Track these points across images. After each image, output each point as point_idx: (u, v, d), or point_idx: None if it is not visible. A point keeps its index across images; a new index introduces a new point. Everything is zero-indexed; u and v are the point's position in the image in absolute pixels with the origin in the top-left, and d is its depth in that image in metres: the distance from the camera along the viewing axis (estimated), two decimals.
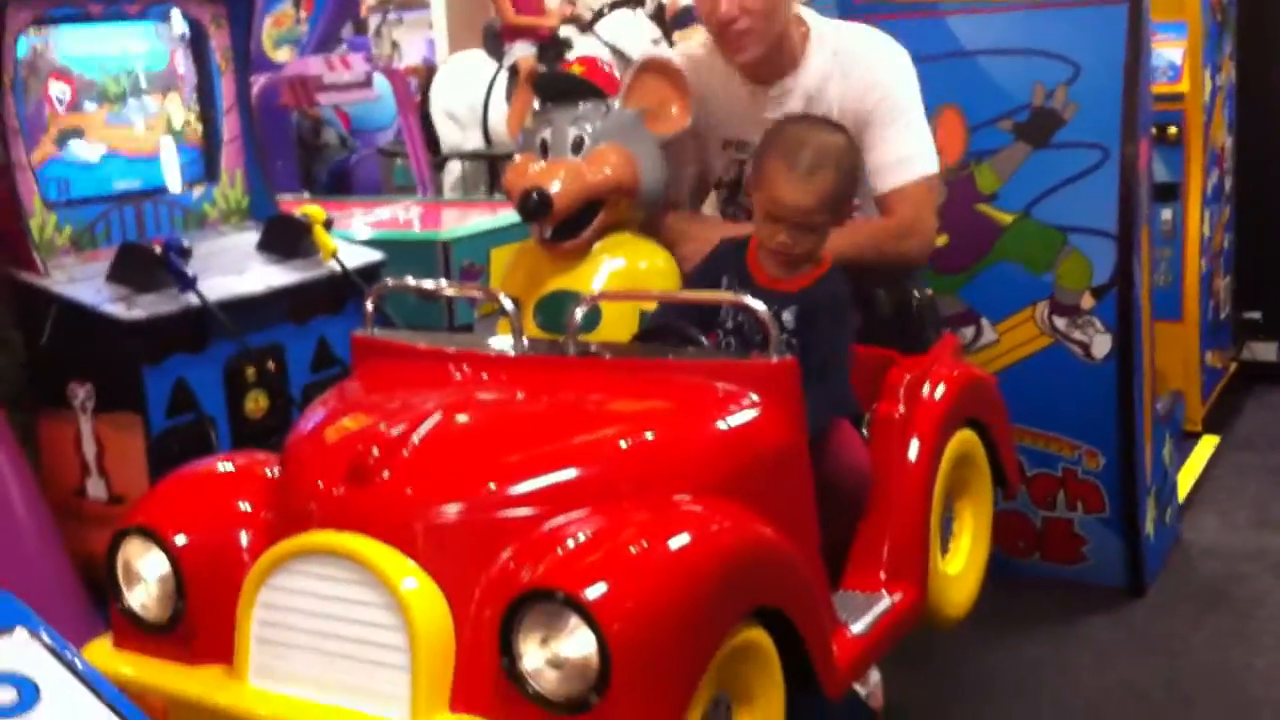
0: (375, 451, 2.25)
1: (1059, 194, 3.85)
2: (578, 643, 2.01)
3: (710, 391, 2.51)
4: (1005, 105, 3.89)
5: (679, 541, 2.16)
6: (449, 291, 4.20)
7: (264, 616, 2.25)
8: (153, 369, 3.35)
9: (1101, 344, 3.84)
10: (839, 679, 2.49)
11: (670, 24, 7.08)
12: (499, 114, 7.04)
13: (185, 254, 3.42)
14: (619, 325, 2.88)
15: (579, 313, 2.62)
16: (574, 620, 2.01)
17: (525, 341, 2.67)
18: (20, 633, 1.88)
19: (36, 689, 1.82)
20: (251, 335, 3.54)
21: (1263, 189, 5.84)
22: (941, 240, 3.86)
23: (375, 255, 3.98)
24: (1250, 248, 5.92)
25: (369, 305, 2.81)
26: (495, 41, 7.54)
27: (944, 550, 3.06)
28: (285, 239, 3.81)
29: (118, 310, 3.31)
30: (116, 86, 3.66)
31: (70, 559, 3.27)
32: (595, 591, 2.01)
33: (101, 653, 2.42)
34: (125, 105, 3.69)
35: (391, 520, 2.19)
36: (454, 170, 7.56)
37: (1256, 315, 6.01)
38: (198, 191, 3.87)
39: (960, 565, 3.12)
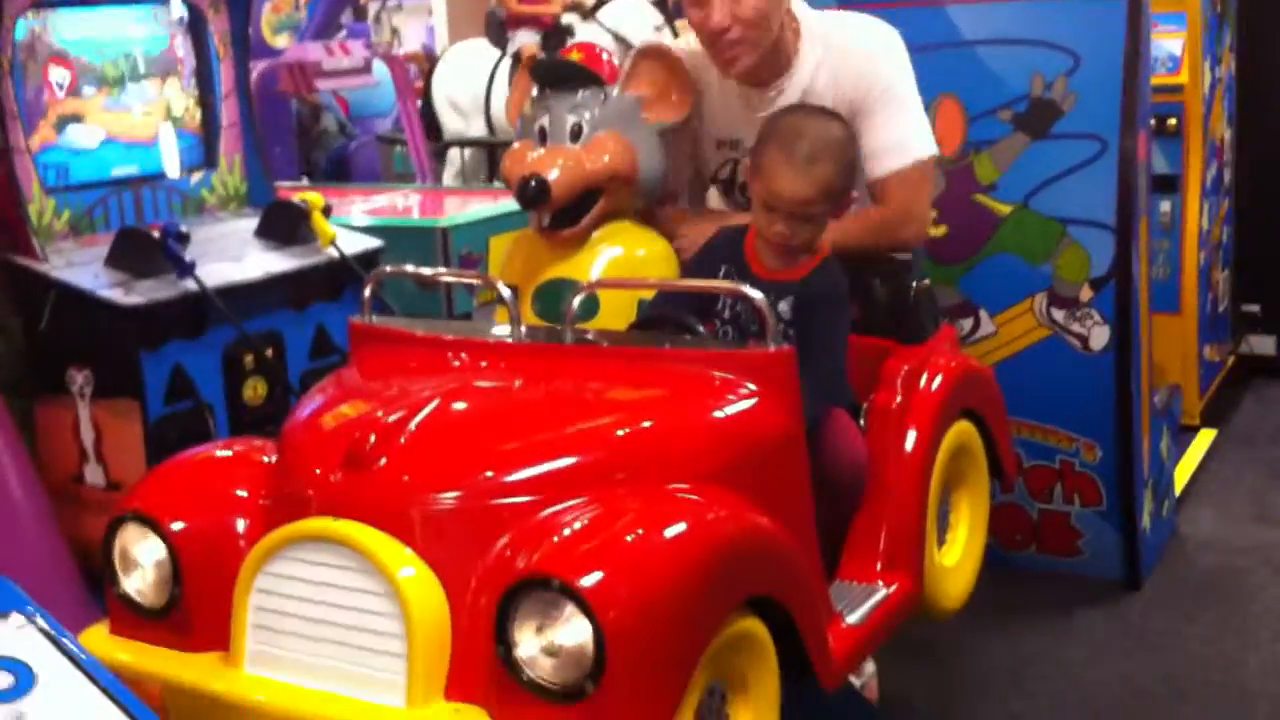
0: (372, 438, 2.24)
1: (1058, 185, 3.84)
2: (573, 631, 2.01)
3: (707, 380, 2.50)
4: (1004, 96, 3.88)
5: (675, 530, 2.16)
6: (447, 278, 4.19)
7: (260, 603, 2.25)
8: (151, 355, 3.35)
9: (1099, 336, 3.84)
10: (835, 669, 2.49)
11: (674, 10, 7.06)
12: (502, 102, 7.02)
13: (183, 240, 3.43)
14: (617, 314, 2.87)
15: (577, 301, 2.62)
16: (569, 608, 2.01)
17: (523, 329, 2.67)
18: (16, 618, 1.89)
19: (33, 674, 1.83)
20: (250, 322, 3.54)
21: (1262, 182, 5.84)
22: (940, 231, 3.87)
23: (374, 242, 3.98)
24: (1249, 241, 5.92)
25: (367, 292, 2.80)
26: (499, 29, 7.52)
27: (940, 542, 3.06)
28: (284, 225, 3.81)
29: (116, 295, 3.31)
30: (115, 71, 3.66)
31: (68, 545, 3.27)
32: (591, 580, 2.01)
33: (98, 639, 2.41)
34: (124, 90, 3.69)
35: (388, 507, 2.19)
36: (454, 161, 7.54)
37: (1255, 309, 6.01)
38: (196, 177, 3.87)
39: (956, 557, 3.12)
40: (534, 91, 3.12)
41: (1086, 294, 3.84)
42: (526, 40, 7.15)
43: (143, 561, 2.40)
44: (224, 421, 3.52)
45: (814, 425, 2.66)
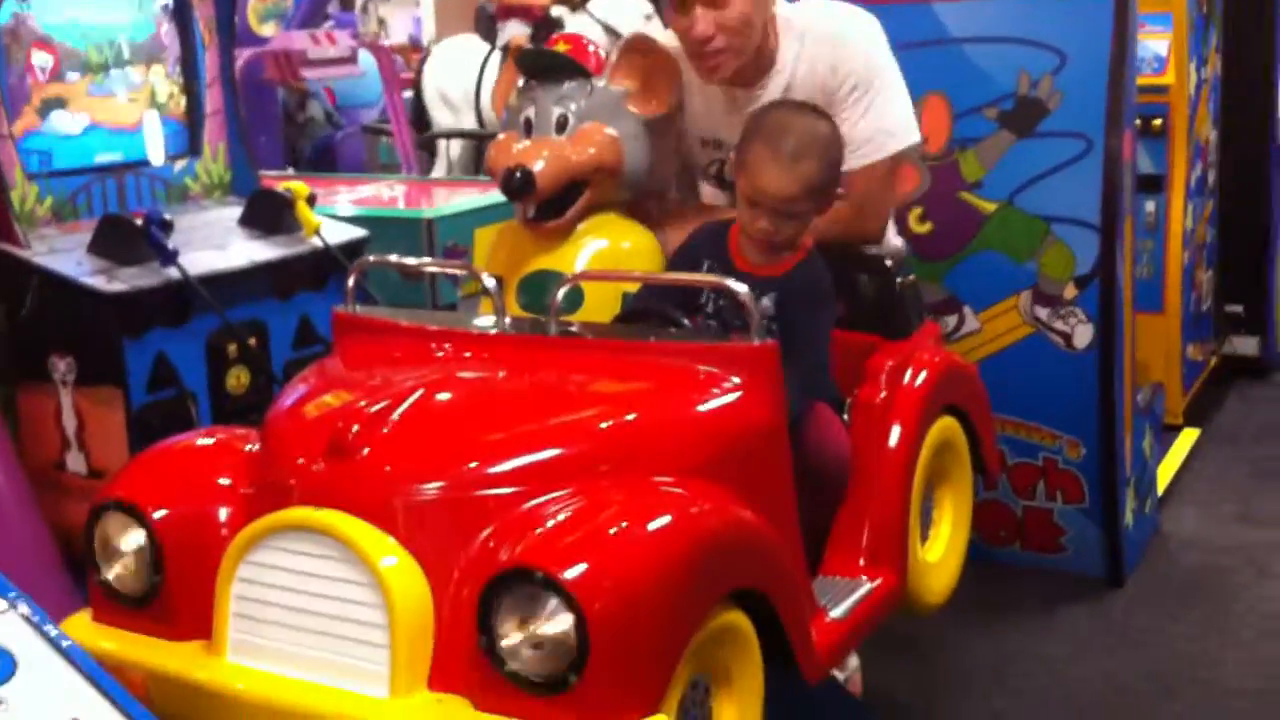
0: (355, 428, 2.24)
1: (1042, 183, 3.85)
2: (556, 623, 2.00)
3: (691, 374, 2.50)
4: (990, 93, 3.89)
5: (658, 523, 2.16)
6: (432, 269, 4.18)
7: (242, 592, 2.24)
8: (133, 342, 3.33)
9: (1083, 334, 3.85)
10: (818, 663, 2.49)
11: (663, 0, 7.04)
12: (491, 97, 7.00)
13: (167, 227, 3.41)
14: (602, 306, 2.87)
15: (561, 293, 2.61)
16: (553, 600, 2.01)
17: (507, 321, 2.66)
18: None
19: (14, 660, 1.82)
20: (233, 310, 3.53)
21: (1246, 183, 5.86)
22: (925, 228, 3.88)
23: (359, 232, 3.97)
24: (1233, 242, 5.94)
25: (351, 282, 2.79)
26: (488, 23, 7.51)
27: (924, 537, 3.06)
28: (268, 214, 3.79)
29: (99, 283, 3.29)
30: (99, 56, 3.64)
31: (50, 532, 3.26)
32: (574, 572, 2.00)
33: (81, 626, 2.40)
34: (108, 76, 3.67)
35: (371, 497, 2.18)
36: (444, 156, 7.53)
37: (1238, 309, 6.04)
38: (180, 165, 3.85)
39: (940, 553, 3.12)
40: (520, 82, 3.11)
41: (1071, 292, 3.85)
42: (516, 32, 7.14)
43: (125, 549, 2.39)
44: (207, 410, 3.50)
45: (796, 419, 2.66)
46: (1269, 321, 6.01)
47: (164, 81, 3.81)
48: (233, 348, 3.56)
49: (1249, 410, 5.62)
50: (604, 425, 2.37)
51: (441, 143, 7.40)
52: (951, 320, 3.96)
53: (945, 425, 3.10)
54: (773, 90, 3.06)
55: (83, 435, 3.39)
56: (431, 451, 2.24)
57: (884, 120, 3.06)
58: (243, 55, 6.01)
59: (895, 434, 2.92)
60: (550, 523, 2.12)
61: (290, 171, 6.51)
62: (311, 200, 3.83)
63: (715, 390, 2.48)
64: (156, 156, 3.80)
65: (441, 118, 7.42)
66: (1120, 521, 3.92)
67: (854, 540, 2.85)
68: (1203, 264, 5.68)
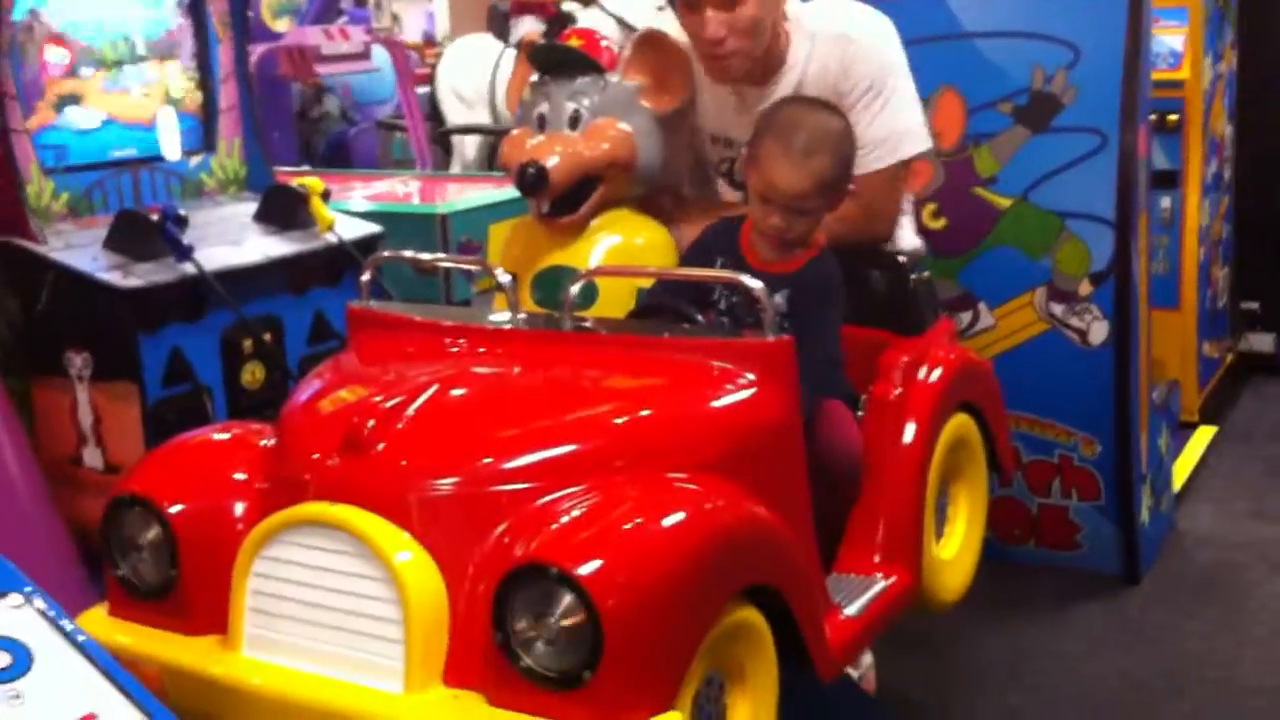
0: (370, 423, 2.24)
1: (1057, 179, 3.84)
2: (570, 618, 2.00)
3: (706, 370, 2.50)
4: (1005, 88, 3.88)
5: (673, 519, 2.16)
6: (446, 264, 4.18)
7: (258, 587, 2.25)
8: (149, 338, 3.34)
9: (1099, 331, 3.84)
10: (832, 661, 2.49)
11: None
12: (505, 94, 7.00)
13: (182, 223, 3.42)
14: (616, 301, 2.87)
15: (575, 288, 2.61)
16: (567, 596, 2.00)
17: (521, 316, 2.66)
18: (14, 598, 1.88)
19: (30, 655, 1.82)
20: (248, 306, 3.54)
21: (1262, 179, 5.84)
22: (940, 224, 3.87)
23: (373, 228, 3.97)
24: (1248, 238, 5.92)
25: (365, 277, 2.79)
26: (502, 22, 7.51)
27: (939, 535, 3.05)
28: (283, 210, 3.80)
29: (114, 278, 3.31)
30: (114, 52, 3.65)
31: (66, 527, 3.27)
32: (588, 568, 2.00)
33: (97, 621, 2.41)
34: (122, 72, 3.68)
35: (386, 492, 2.18)
36: (460, 155, 7.53)
37: (1254, 306, 6.02)
38: (195, 160, 3.86)
39: (955, 550, 3.11)
40: (533, 78, 3.11)
41: (1086, 288, 3.84)
42: (529, 29, 7.13)
43: (141, 544, 2.40)
44: (222, 405, 3.51)
45: (810, 416, 2.66)
46: None
47: (178, 77, 3.82)
48: (248, 343, 3.57)
49: (1265, 407, 5.60)
50: (618, 421, 2.37)
51: (457, 141, 7.40)
52: (966, 317, 3.95)
53: (960, 422, 3.10)
54: (783, 89, 3.05)
55: (99, 430, 3.41)
56: (446, 447, 2.24)
57: (897, 123, 3.04)
58: (257, 51, 6.01)
59: (910, 431, 2.91)
60: (565, 518, 2.12)
61: (305, 167, 6.52)
62: (326, 196, 3.84)
63: (729, 386, 2.47)
64: (171, 152, 3.81)
65: (456, 116, 7.42)
66: (1136, 519, 3.91)
67: (868, 537, 2.84)
68: (1218, 260, 5.66)
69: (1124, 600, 3.84)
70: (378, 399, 2.31)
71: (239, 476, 2.43)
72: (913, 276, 3.12)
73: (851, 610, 2.64)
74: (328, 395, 2.45)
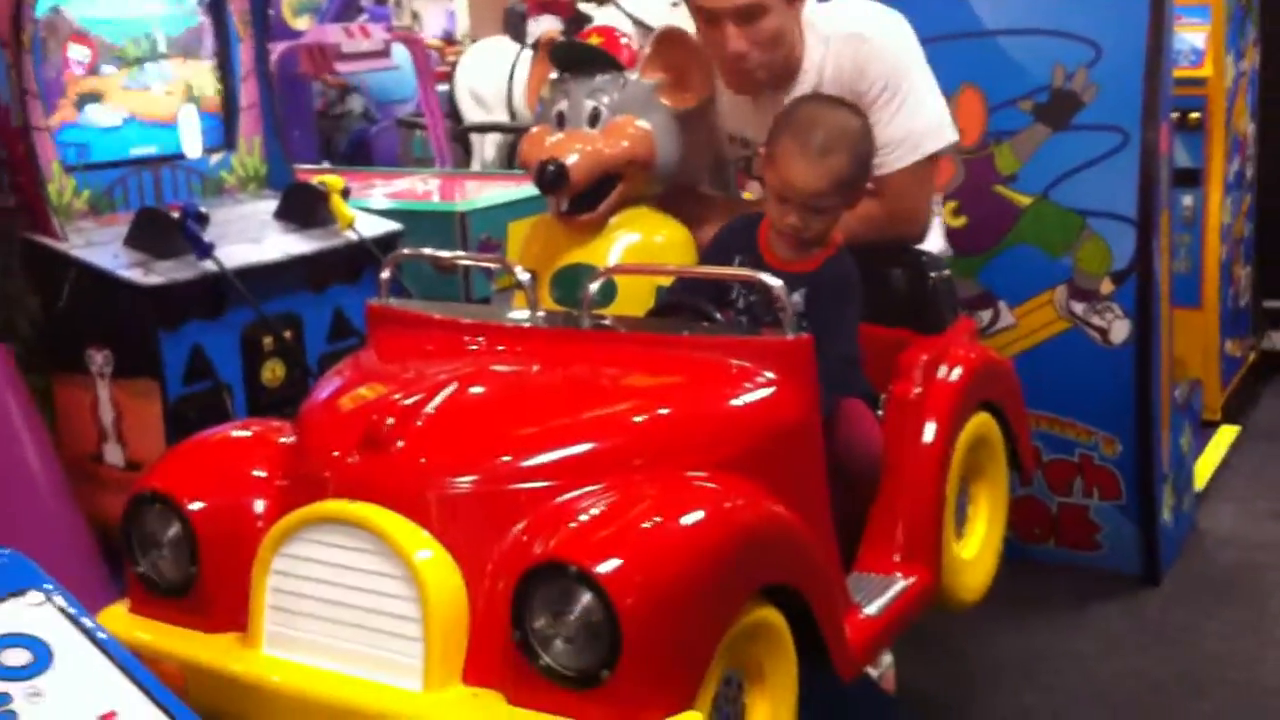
0: (390, 421, 2.24)
1: (1078, 177, 3.82)
2: (589, 617, 2.01)
3: (725, 368, 2.50)
4: (1025, 86, 3.86)
5: (692, 517, 2.16)
6: (465, 262, 4.19)
7: (278, 584, 2.25)
8: (170, 335, 3.35)
9: (1120, 330, 3.82)
10: (852, 660, 2.49)
11: None
12: (523, 94, 7.01)
13: (203, 220, 3.43)
14: (635, 299, 2.87)
15: (594, 286, 2.61)
16: (586, 594, 2.01)
17: (540, 314, 2.66)
18: (34, 595, 1.89)
19: (50, 652, 1.83)
20: (268, 304, 3.54)
21: None
22: (960, 222, 3.86)
23: (393, 225, 3.98)
24: (1271, 236, 5.88)
25: (385, 275, 2.80)
26: (519, 23, 7.52)
27: (959, 534, 3.05)
28: (303, 207, 3.80)
29: (135, 275, 3.32)
30: (136, 50, 3.66)
31: (87, 524, 3.28)
32: (608, 566, 2.00)
33: (117, 617, 2.42)
34: (144, 70, 3.69)
35: (405, 490, 2.19)
36: (479, 156, 7.54)
37: (1277, 304, 5.98)
38: (215, 158, 3.87)
39: (975, 549, 3.11)
40: (552, 76, 3.11)
41: (1107, 287, 3.82)
42: (547, 28, 7.14)
43: (161, 540, 2.41)
44: (242, 402, 3.52)
45: (829, 415, 2.65)
46: None
47: (199, 75, 3.83)
48: (268, 340, 3.58)
49: None
50: (637, 419, 2.37)
51: (476, 139, 7.41)
52: (986, 315, 3.93)
53: (980, 421, 3.09)
54: (800, 91, 3.04)
55: (120, 427, 3.42)
56: (465, 445, 2.25)
57: (916, 120, 3.03)
58: (277, 49, 6.02)
59: (930, 430, 2.91)
60: (584, 516, 2.12)
61: (326, 165, 6.53)
62: (346, 194, 3.85)
63: (748, 384, 2.47)
64: (192, 150, 3.82)
65: (473, 116, 7.44)
66: (1158, 519, 3.89)
67: (888, 536, 2.84)
68: (1240, 259, 5.63)
69: (1143, 601, 3.82)
70: (397, 396, 2.31)
71: (259, 474, 2.44)
72: (932, 275, 3.11)
73: (871, 610, 2.64)
74: (347, 393, 2.45)
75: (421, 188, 5.65)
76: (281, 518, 2.28)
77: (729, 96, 3.15)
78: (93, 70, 3.56)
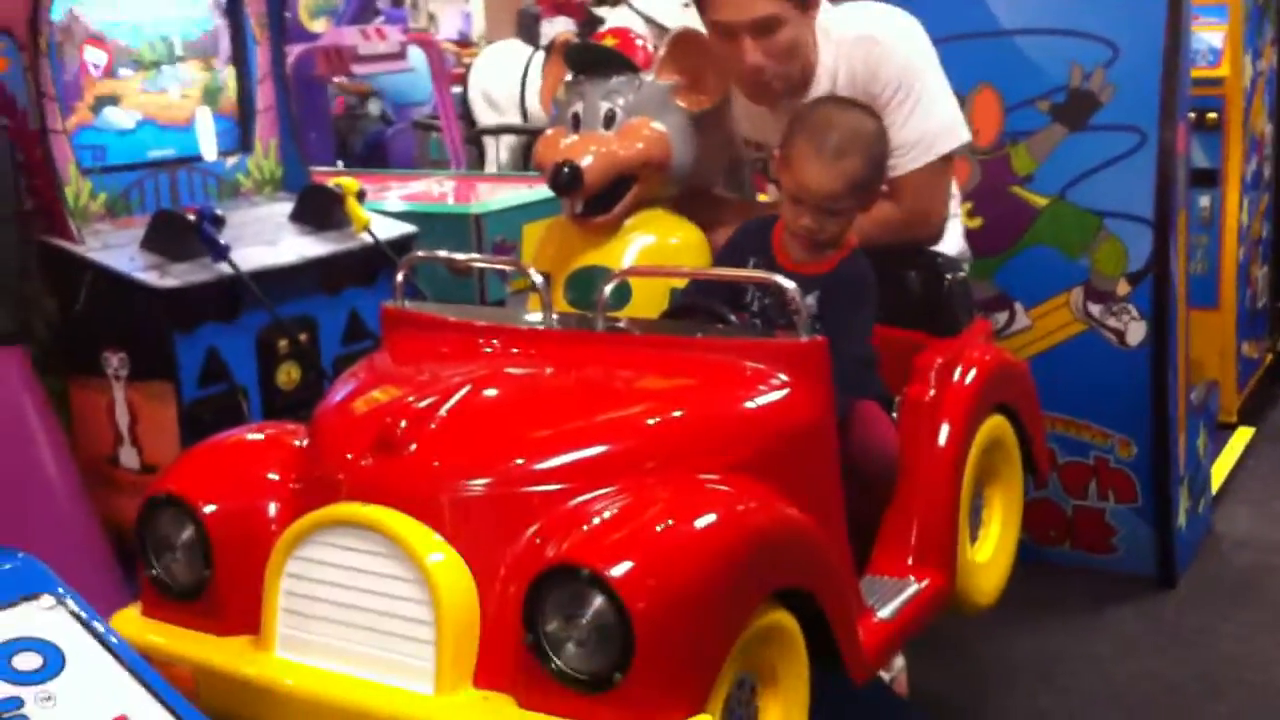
0: (403, 424, 2.24)
1: (1095, 177, 3.81)
2: (601, 620, 2.00)
3: (739, 370, 2.49)
4: (1042, 86, 3.85)
5: (705, 520, 2.15)
6: (480, 264, 4.19)
7: (290, 588, 2.25)
8: (185, 338, 3.36)
9: (1136, 331, 3.81)
10: (865, 663, 2.48)
11: None
12: (536, 98, 7.02)
13: (219, 223, 3.44)
14: (649, 302, 2.86)
15: (609, 288, 2.61)
16: (598, 598, 2.00)
17: (555, 316, 2.66)
18: (47, 599, 1.89)
19: (62, 656, 1.83)
20: (283, 306, 3.55)
21: None
22: (976, 223, 3.85)
23: (408, 228, 3.98)
24: None
25: (400, 277, 2.80)
26: (532, 26, 7.53)
27: (973, 537, 3.04)
28: (318, 210, 3.81)
29: (151, 278, 3.33)
30: (152, 53, 3.68)
31: (102, 526, 3.29)
32: (620, 569, 2.00)
33: (130, 621, 2.42)
34: (160, 73, 3.70)
35: (418, 493, 2.18)
36: (492, 160, 7.55)
37: None
38: (231, 161, 3.88)
39: (989, 553, 3.09)
40: (567, 77, 3.11)
41: (1123, 288, 3.81)
42: (560, 29, 7.14)
43: (175, 543, 2.41)
44: (257, 405, 3.53)
45: (843, 417, 2.65)
46: None
47: (216, 78, 3.84)
48: (283, 343, 3.59)
49: None
50: (651, 422, 2.36)
51: (489, 144, 7.42)
52: (1002, 317, 3.92)
53: (995, 423, 3.08)
54: (814, 96, 3.04)
55: (135, 430, 3.43)
56: (479, 447, 2.24)
57: (930, 122, 3.02)
58: (293, 51, 6.04)
59: (944, 432, 2.89)
60: (596, 520, 2.12)
61: (341, 167, 6.54)
62: (361, 196, 3.85)
63: (762, 387, 2.47)
64: (209, 152, 3.83)
65: (486, 119, 7.46)
66: (1173, 521, 3.88)
67: (902, 539, 2.83)
68: (1258, 260, 5.61)
69: (1159, 603, 3.81)
70: (411, 399, 2.31)
71: (273, 477, 2.44)
72: (948, 277, 3.10)
73: (885, 613, 2.63)
74: (361, 395, 2.45)
75: (437, 190, 5.66)
76: (295, 521, 2.28)
77: (742, 101, 3.14)
78: (109, 73, 3.58)
